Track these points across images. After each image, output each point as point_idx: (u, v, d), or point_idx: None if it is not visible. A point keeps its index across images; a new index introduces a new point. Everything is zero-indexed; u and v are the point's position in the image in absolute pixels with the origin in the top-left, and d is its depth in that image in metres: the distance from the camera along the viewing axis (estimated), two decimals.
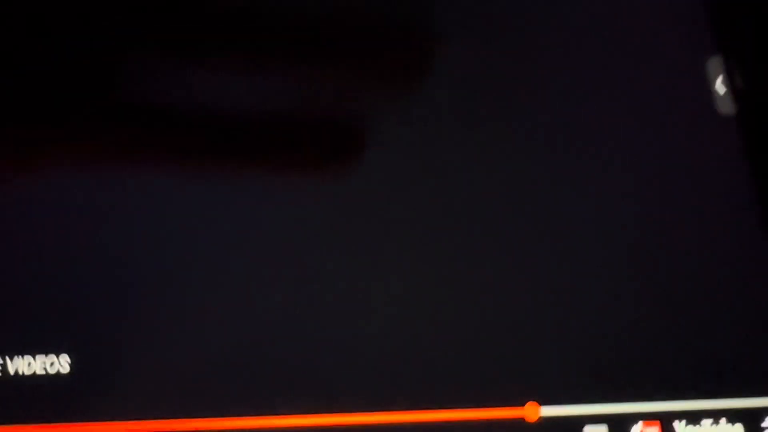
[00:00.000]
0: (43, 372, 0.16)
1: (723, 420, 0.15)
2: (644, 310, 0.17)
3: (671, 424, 0.15)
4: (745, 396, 0.16)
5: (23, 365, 0.16)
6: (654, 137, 0.19)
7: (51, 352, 0.16)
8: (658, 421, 0.15)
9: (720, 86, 0.19)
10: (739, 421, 0.16)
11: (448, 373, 0.16)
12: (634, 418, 0.16)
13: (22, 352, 0.16)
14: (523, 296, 0.17)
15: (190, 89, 0.18)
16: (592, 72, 0.19)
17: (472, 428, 0.15)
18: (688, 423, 0.15)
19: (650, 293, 0.17)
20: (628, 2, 0.20)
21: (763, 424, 0.15)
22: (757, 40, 0.19)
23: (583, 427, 0.15)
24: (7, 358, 0.16)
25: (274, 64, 0.18)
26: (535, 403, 0.16)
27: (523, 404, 0.15)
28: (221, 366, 0.16)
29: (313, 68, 0.18)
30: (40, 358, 0.16)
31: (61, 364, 0.16)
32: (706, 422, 0.15)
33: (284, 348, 0.16)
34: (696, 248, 0.18)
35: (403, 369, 0.16)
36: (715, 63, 0.19)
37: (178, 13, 0.18)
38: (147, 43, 0.18)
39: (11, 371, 0.16)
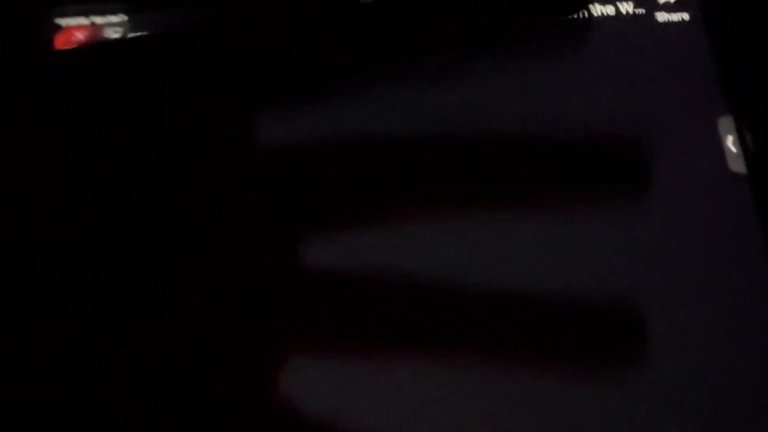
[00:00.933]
0: None
1: None
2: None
3: None
4: None
5: None
6: (667, 196, 0.19)
7: None
8: None
9: (732, 145, 0.19)
10: None
11: None
12: None
13: None
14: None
15: None
16: (606, 132, 0.20)
17: None
18: None
19: (658, 353, 0.18)
20: (641, 64, 0.21)
21: None
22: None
23: None
24: None
25: None
26: None
27: None
28: None
29: None
30: None
31: None
32: None
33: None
34: (708, 307, 0.18)
35: None
36: (726, 122, 0.20)
37: None
38: None
39: None
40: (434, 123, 0.21)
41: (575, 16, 0.21)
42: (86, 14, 0.21)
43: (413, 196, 0.20)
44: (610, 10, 0.21)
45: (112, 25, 0.21)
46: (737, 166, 0.20)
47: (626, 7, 0.21)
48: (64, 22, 0.21)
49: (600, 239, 0.19)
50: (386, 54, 0.21)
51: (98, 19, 0.21)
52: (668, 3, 0.21)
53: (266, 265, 0.19)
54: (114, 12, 0.21)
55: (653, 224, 0.19)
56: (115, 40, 0.21)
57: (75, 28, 0.21)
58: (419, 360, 0.18)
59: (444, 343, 0.18)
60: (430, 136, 0.21)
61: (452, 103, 0.21)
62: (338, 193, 0.20)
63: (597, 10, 0.21)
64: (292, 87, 0.21)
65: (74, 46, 0.20)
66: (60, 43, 0.20)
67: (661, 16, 0.21)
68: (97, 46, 0.21)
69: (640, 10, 0.21)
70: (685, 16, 0.21)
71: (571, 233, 0.19)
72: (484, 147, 0.20)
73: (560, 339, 0.18)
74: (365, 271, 0.19)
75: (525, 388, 0.18)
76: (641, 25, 0.21)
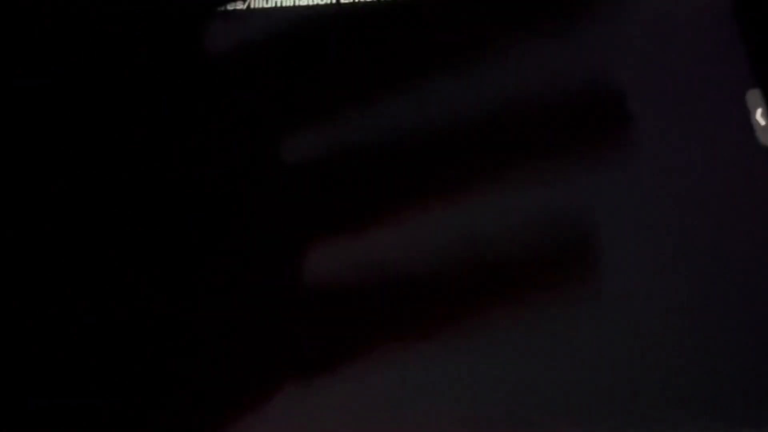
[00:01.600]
0: None
1: None
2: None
3: None
4: None
5: None
6: (695, 169, 0.19)
7: None
8: None
9: (760, 117, 0.19)
10: None
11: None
12: None
13: None
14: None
15: None
16: (633, 106, 0.20)
17: None
18: None
19: (688, 329, 0.18)
20: (669, 37, 0.21)
21: None
22: None
23: None
24: None
25: None
26: None
27: None
28: None
29: None
30: None
31: None
32: None
33: None
34: (737, 280, 0.18)
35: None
36: (754, 95, 0.20)
37: None
38: None
39: None
40: (456, 92, 0.21)
41: None
42: None
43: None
44: None
45: None
46: (766, 138, 0.19)
47: None
48: None
49: (626, 216, 0.19)
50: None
51: None
52: None
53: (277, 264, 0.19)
54: None
55: (682, 198, 0.19)
56: None
57: None
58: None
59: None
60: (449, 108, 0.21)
61: (470, 79, 0.21)
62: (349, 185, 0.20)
63: None
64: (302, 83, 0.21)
65: None
66: None
67: None
68: None
69: None
70: None
71: (595, 207, 0.19)
72: (508, 120, 0.20)
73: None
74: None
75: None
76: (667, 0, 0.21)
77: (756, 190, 0.19)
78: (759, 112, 0.20)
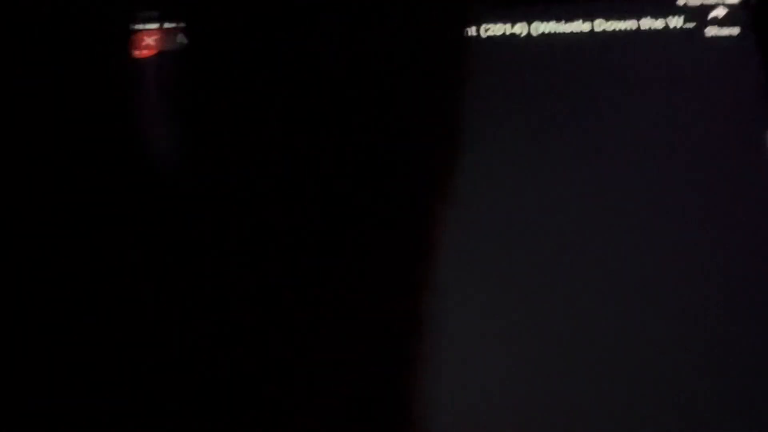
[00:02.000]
0: None
1: None
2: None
3: None
4: None
5: None
6: (716, 207, 0.20)
7: None
8: None
9: None
10: None
11: None
12: None
13: None
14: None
15: None
16: (655, 145, 0.21)
17: None
18: None
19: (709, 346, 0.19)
20: (691, 78, 0.22)
21: None
22: None
23: None
24: None
25: None
26: None
27: None
28: None
29: None
30: None
31: None
32: None
33: None
34: (756, 300, 0.19)
35: None
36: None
37: None
38: None
39: None
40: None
41: (626, 29, 0.22)
42: (158, 19, 0.21)
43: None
44: (659, 24, 0.22)
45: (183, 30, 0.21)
46: None
47: (676, 22, 0.22)
48: (135, 26, 0.21)
49: (654, 247, 0.20)
50: None
51: (169, 24, 0.21)
52: (717, 18, 0.22)
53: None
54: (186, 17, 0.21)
55: (704, 234, 0.20)
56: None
57: (146, 33, 0.21)
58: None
59: None
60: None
61: (494, 117, 0.22)
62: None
63: (647, 24, 0.22)
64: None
65: (145, 50, 0.21)
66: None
67: (711, 31, 0.22)
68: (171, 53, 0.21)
69: (690, 25, 0.22)
70: (735, 30, 0.22)
71: (625, 245, 0.20)
72: (535, 155, 0.21)
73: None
74: None
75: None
76: (691, 39, 0.22)
77: None
78: None
